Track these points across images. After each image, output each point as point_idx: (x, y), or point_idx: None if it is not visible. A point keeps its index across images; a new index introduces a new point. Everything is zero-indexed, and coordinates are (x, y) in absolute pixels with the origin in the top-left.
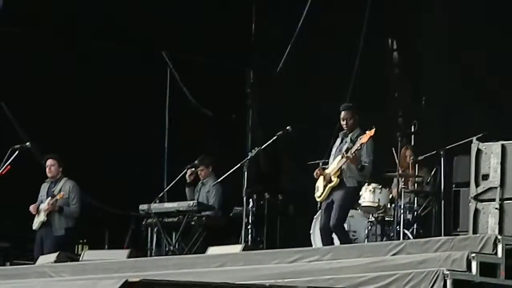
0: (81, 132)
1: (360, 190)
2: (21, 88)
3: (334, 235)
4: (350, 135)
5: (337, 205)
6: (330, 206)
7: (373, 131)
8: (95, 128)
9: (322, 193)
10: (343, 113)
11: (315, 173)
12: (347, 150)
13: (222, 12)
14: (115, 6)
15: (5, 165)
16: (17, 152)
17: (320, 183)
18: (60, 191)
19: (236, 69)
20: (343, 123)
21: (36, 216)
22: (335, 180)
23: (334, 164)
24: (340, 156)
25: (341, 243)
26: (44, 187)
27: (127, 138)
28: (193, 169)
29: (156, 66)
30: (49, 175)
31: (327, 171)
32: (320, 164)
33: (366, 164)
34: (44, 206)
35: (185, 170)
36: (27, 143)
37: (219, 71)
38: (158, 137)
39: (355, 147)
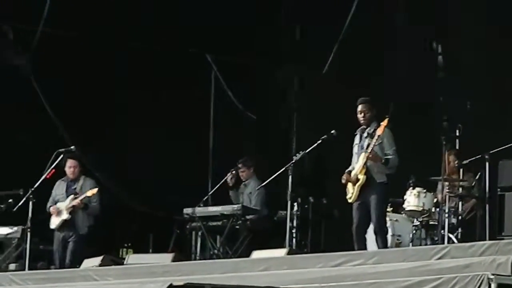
0: (127, 135)
1: (390, 184)
2: (63, 89)
3: (367, 236)
4: (367, 130)
5: (374, 209)
6: (362, 207)
7: (386, 120)
8: (141, 131)
9: (353, 193)
10: (360, 106)
11: (342, 180)
12: (367, 147)
13: (267, 14)
14: (160, 7)
15: (51, 168)
16: (62, 156)
17: (349, 186)
18: (81, 189)
19: (281, 72)
20: (360, 116)
21: (55, 215)
22: (362, 178)
23: (360, 162)
24: (363, 153)
25: (379, 246)
26: (61, 186)
27: (172, 141)
28: (233, 172)
29: (201, 69)
30: (71, 176)
31: (353, 172)
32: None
33: (390, 157)
34: (66, 204)
35: (229, 174)
36: (72, 147)
37: (264, 74)
38: (203, 141)
39: (373, 142)
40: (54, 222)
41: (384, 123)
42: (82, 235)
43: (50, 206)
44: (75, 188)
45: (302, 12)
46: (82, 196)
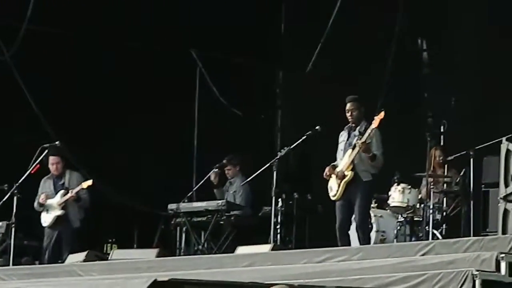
0: (109, 131)
1: (375, 183)
2: (50, 87)
3: (350, 233)
4: (358, 128)
5: (358, 205)
6: (346, 205)
7: (382, 113)
8: (123, 127)
9: (338, 190)
10: (348, 104)
11: (325, 174)
12: (361, 140)
13: (251, 10)
14: (142, 6)
15: (35, 164)
16: (46, 151)
17: (333, 182)
18: (69, 183)
19: (265, 69)
20: (348, 114)
21: (45, 212)
22: (349, 174)
23: (346, 158)
24: (350, 150)
25: (361, 243)
26: (47, 183)
27: (156, 137)
28: (217, 170)
29: (185, 66)
30: (55, 173)
31: (338, 168)
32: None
33: (377, 155)
34: (57, 200)
35: (213, 170)
36: (56, 142)
37: (248, 70)
38: (187, 136)
39: (366, 134)
40: (47, 220)
41: (380, 116)
42: (75, 228)
43: (39, 203)
44: (63, 183)
45: (288, 10)
46: (78, 188)
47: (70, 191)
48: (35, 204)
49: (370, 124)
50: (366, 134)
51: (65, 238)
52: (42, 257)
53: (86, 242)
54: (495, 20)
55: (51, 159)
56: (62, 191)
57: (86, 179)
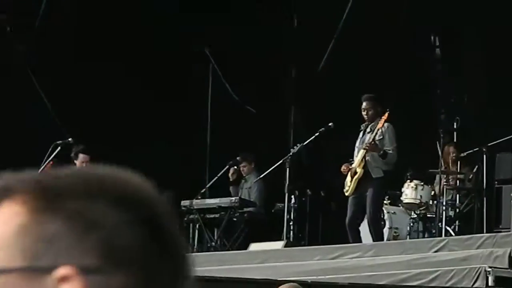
0: (124, 128)
1: (388, 180)
2: (60, 85)
3: (361, 229)
4: (370, 126)
5: (369, 202)
6: (358, 200)
7: (386, 114)
8: (139, 125)
9: (350, 186)
10: (364, 103)
11: (342, 169)
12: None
13: (264, 7)
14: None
15: (48, 160)
16: (59, 148)
17: (348, 178)
18: None
19: (278, 66)
20: (364, 113)
21: None
22: (359, 171)
23: (359, 156)
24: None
25: (373, 239)
26: None
27: (169, 133)
28: (235, 167)
29: (199, 63)
30: None
31: (353, 165)
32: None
33: (388, 152)
34: None
35: (226, 167)
36: (69, 139)
37: (262, 67)
38: (201, 133)
39: (373, 134)
40: None
41: (384, 117)
42: None
43: None
44: None
45: (301, 6)
46: None
47: None
48: None
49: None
50: (372, 136)
51: None
52: None
53: None
54: (506, 16)
55: (82, 157)
56: None
57: None
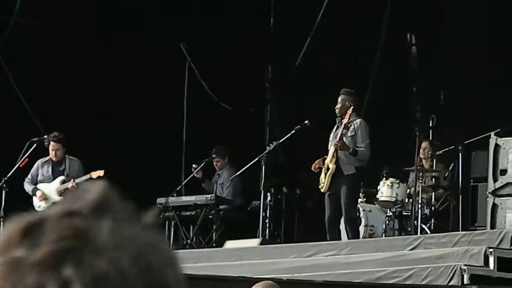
0: (98, 125)
1: (360, 176)
2: (39, 81)
3: (341, 227)
4: (342, 120)
5: (343, 200)
6: (333, 197)
7: (351, 109)
8: (112, 121)
9: (324, 183)
10: (339, 98)
11: (313, 166)
12: (341, 136)
13: (241, 5)
14: None
15: (24, 157)
16: (35, 145)
17: (322, 174)
18: (69, 169)
19: (254, 63)
20: (336, 107)
21: (40, 199)
22: (331, 167)
23: (330, 152)
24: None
25: (349, 237)
26: (45, 167)
27: (144, 131)
28: (199, 166)
29: (174, 60)
30: (54, 159)
31: (326, 161)
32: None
33: (360, 149)
34: (55, 187)
35: (202, 164)
36: (45, 136)
37: (237, 65)
38: (176, 131)
39: (340, 131)
40: (42, 205)
41: (349, 111)
42: None
43: (34, 189)
44: (63, 170)
45: (277, 4)
46: (84, 178)
47: (72, 180)
48: (26, 183)
49: (356, 117)
50: (340, 133)
51: None
52: None
53: None
54: (484, 14)
55: (52, 145)
56: (61, 178)
57: (87, 168)
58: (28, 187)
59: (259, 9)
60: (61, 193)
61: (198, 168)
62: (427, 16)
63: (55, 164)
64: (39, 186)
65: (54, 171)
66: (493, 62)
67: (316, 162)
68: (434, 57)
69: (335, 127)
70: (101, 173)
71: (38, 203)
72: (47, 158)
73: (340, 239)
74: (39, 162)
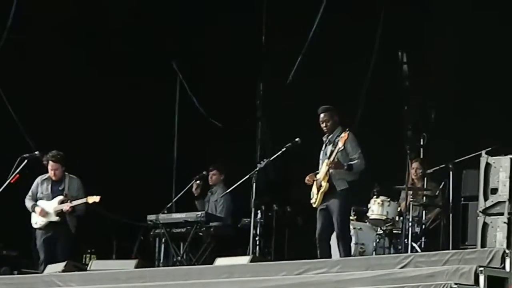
0: (88, 139)
1: (353, 192)
2: (27, 95)
3: (331, 243)
4: (329, 137)
5: (335, 217)
6: (325, 213)
7: (346, 134)
8: (103, 137)
9: (316, 199)
10: (321, 116)
11: (306, 180)
12: (331, 153)
13: (233, 21)
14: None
15: (14, 174)
16: (26, 161)
17: (314, 189)
18: (68, 189)
19: (246, 80)
20: (323, 125)
21: (37, 215)
22: (324, 185)
23: (323, 168)
24: (326, 160)
25: (342, 254)
26: (45, 185)
27: (135, 147)
28: (198, 182)
29: (166, 75)
30: (54, 178)
31: (318, 176)
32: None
33: (354, 162)
34: (53, 206)
35: (193, 181)
36: (36, 152)
37: (229, 81)
38: (167, 147)
39: (335, 151)
40: (39, 222)
41: (344, 136)
42: (73, 234)
43: (34, 205)
44: (62, 189)
45: (268, 22)
46: (80, 202)
47: (69, 201)
48: (27, 200)
49: (341, 133)
50: (335, 153)
51: (61, 243)
52: (34, 256)
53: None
54: (475, 33)
55: (51, 165)
56: (60, 197)
57: (86, 192)
58: (28, 204)
59: (251, 26)
60: (58, 213)
61: (198, 177)
62: (418, 34)
63: (54, 182)
64: (38, 203)
65: (53, 190)
66: (485, 81)
67: (308, 176)
68: (426, 75)
69: (324, 145)
70: (97, 199)
71: (35, 220)
72: (46, 176)
73: (330, 254)
74: (38, 179)
